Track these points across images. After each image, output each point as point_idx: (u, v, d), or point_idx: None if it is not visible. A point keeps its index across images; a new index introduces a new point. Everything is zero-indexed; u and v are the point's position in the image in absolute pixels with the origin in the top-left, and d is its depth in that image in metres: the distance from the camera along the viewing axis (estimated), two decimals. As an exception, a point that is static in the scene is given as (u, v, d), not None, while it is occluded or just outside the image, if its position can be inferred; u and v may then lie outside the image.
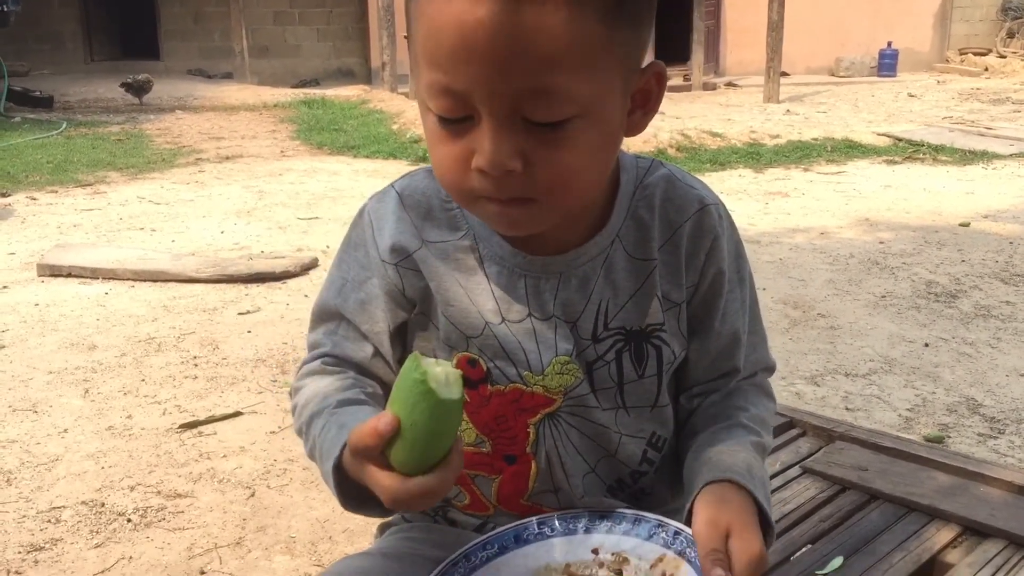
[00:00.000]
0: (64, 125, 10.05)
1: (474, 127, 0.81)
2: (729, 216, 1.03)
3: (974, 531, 1.32)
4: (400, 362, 0.99)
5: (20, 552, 2.22)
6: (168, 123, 10.57)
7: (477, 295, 0.96)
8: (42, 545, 2.25)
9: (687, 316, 1.00)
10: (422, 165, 1.04)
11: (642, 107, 0.89)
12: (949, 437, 2.80)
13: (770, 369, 1.10)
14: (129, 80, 11.99)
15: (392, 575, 0.96)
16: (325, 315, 1.03)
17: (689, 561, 0.93)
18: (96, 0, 15.25)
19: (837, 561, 1.24)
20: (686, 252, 0.98)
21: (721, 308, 1.01)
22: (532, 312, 0.95)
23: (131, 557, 2.21)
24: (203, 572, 2.15)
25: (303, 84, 14.56)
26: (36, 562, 2.19)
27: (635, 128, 0.89)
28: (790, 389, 3.15)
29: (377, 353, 1.00)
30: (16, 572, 2.15)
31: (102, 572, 2.15)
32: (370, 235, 1.00)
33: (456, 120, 0.81)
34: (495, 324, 0.96)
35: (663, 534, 0.95)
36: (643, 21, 0.84)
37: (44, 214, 6.02)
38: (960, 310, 3.97)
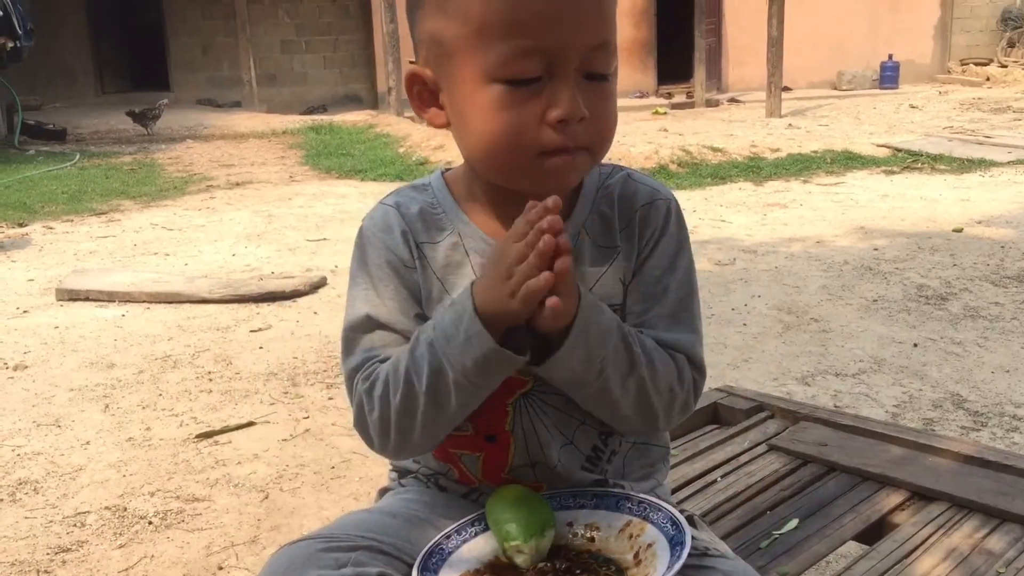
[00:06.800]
0: (77, 156, 10.26)
1: (543, 87, 0.98)
2: (680, 213, 1.15)
3: (921, 496, 1.44)
4: None
5: (48, 553, 2.36)
6: (179, 152, 10.77)
7: (462, 282, 1.08)
8: (69, 547, 2.39)
9: None
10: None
11: None
12: (933, 430, 2.91)
13: (694, 362, 1.10)
14: (135, 110, 12.16)
15: (388, 527, 1.08)
16: (360, 328, 1.09)
17: (652, 523, 1.06)
18: (107, 34, 15.56)
19: (792, 523, 1.37)
20: (638, 235, 1.11)
21: (640, 271, 1.11)
22: None
23: (153, 556, 2.34)
24: (221, 568, 2.28)
25: (311, 111, 14.81)
26: (64, 562, 2.32)
27: None
28: (781, 389, 3.27)
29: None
30: (45, 571, 2.28)
31: (126, 570, 2.29)
32: (379, 243, 1.11)
33: (527, 82, 0.98)
34: None
35: (628, 504, 1.08)
36: None
37: (61, 242, 6.20)
38: (949, 312, 4.08)
